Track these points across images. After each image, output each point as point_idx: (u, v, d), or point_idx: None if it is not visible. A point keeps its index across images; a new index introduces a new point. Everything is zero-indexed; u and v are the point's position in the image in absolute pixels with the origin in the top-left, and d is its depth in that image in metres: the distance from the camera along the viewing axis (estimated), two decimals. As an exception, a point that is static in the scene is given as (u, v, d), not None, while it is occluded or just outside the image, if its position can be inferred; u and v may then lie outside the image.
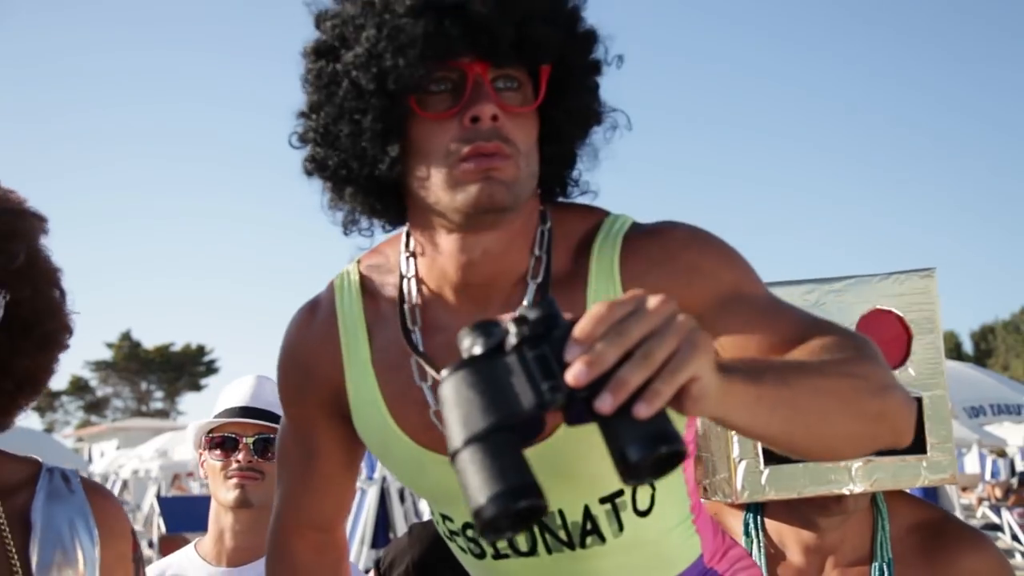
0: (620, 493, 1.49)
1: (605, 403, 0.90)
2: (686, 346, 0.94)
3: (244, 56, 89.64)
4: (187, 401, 65.41)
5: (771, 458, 2.00)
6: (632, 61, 1.52)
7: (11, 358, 1.56)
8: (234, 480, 2.62)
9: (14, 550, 1.54)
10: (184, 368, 64.21)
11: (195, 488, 19.67)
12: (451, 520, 1.60)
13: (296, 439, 1.69)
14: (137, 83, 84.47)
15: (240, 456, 2.63)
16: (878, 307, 2.09)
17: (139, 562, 1.71)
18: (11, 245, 1.53)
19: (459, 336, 0.98)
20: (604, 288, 1.45)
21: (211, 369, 65.08)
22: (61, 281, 1.66)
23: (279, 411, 2.74)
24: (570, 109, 1.43)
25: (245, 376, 2.84)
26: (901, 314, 2.09)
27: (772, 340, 1.37)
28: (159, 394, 65.06)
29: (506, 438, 0.92)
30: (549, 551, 1.52)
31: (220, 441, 2.67)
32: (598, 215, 1.54)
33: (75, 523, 1.61)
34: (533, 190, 1.43)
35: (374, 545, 9.74)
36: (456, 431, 0.93)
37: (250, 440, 2.64)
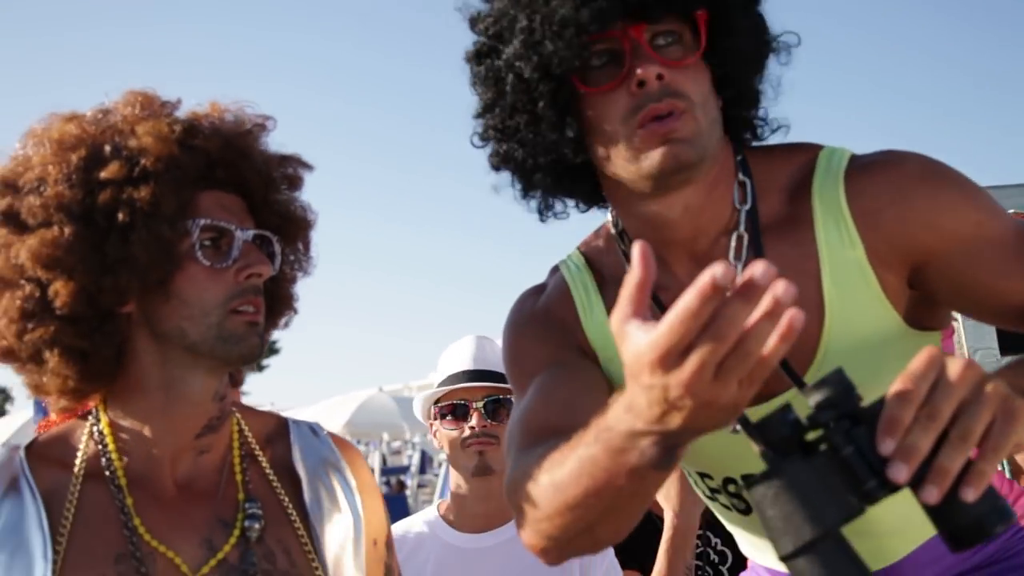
0: None
1: (931, 495, 0.91)
2: (1003, 417, 0.93)
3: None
4: None
5: None
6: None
7: (276, 287, 1.60)
8: (471, 449, 2.59)
9: (287, 499, 1.55)
10: None
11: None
12: (710, 478, 1.59)
13: (547, 374, 1.57)
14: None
15: (473, 422, 2.60)
16: None
17: (387, 516, 1.72)
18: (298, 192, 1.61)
19: (754, 428, 0.98)
20: (835, 230, 1.42)
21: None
22: None
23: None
24: (736, 48, 1.41)
25: (464, 338, 2.78)
26: None
27: None
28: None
29: (836, 542, 0.94)
30: None
31: (450, 409, 2.65)
32: (809, 152, 1.49)
33: (334, 474, 1.62)
34: (720, 138, 1.43)
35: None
36: (784, 540, 0.94)
37: (480, 404, 2.62)
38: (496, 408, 2.61)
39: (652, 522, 2.71)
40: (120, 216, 1.37)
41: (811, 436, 0.97)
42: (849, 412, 0.95)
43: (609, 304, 1.56)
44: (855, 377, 0.96)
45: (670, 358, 0.92)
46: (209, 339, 1.43)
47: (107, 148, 1.41)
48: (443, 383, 2.70)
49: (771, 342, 0.89)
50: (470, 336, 2.80)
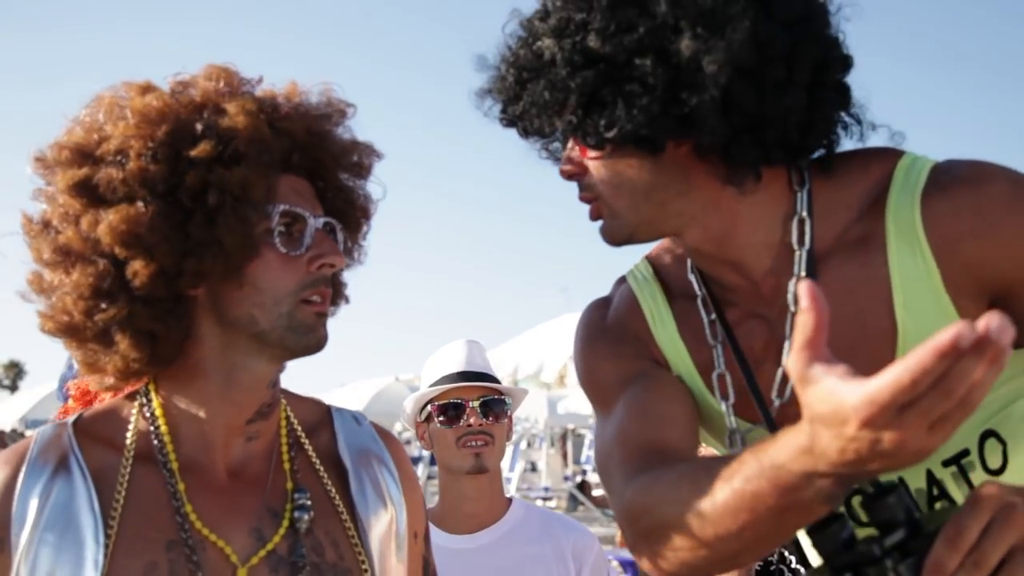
0: (966, 453, 1.46)
1: None
2: None
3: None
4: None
5: None
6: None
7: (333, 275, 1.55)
8: (467, 448, 2.68)
9: (333, 489, 1.55)
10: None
11: None
12: None
13: (634, 391, 1.60)
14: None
15: (470, 420, 2.70)
16: None
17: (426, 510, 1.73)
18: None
19: (811, 534, 1.10)
20: (909, 255, 1.38)
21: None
22: None
23: (494, 373, 2.81)
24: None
25: (453, 342, 2.88)
26: None
27: None
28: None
29: None
30: None
31: (446, 408, 2.75)
32: (886, 162, 1.45)
33: (379, 465, 1.62)
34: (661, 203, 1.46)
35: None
36: None
37: (476, 403, 2.72)
38: (490, 408, 2.73)
39: None
40: (209, 198, 1.34)
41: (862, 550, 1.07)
42: (903, 540, 1.06)
43: (678, 317, 1.60)
44: None
45: (888, 413, 0.93)
46: (278, 328, 1.41)
47: (198, 126, 1.38)
48: (437, 383, 2.80)
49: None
50: (460, 340, 2.91)
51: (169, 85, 1.45)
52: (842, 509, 1.10)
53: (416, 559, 1.64)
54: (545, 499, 19.48)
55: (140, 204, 1.34)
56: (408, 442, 22.52)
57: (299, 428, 1.60)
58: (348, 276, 1.62)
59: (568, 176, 1.50)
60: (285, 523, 1.48)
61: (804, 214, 1.45)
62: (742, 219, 1.47)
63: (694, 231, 1.48)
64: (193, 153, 1.36)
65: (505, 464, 19.49)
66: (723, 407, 1.55)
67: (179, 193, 1.36)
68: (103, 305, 1.37)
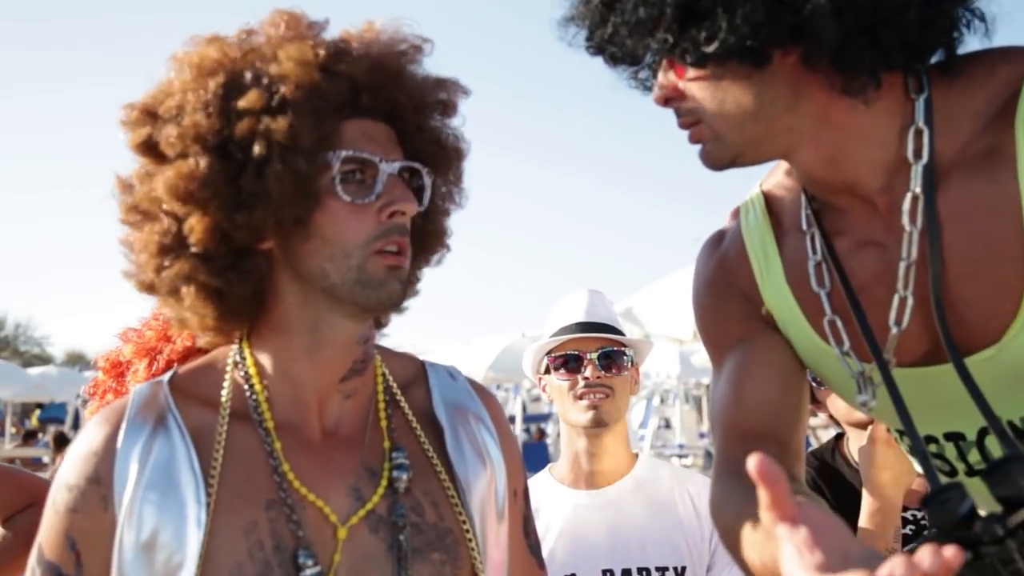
0: None
1: None
2: None
3: None
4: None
5: None
6: None
7: (427, 222, 1.55)
8: (585, 401, 2.63)
9: (430, 447, 1.54)
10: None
11: None
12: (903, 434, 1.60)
13: (736, 359, 1.65)
14: None
15: (587, 372, 2.65)
16: None
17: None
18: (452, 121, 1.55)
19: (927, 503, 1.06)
20: None
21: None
22: None
23: (618, 324, 2.75)
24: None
25: (576, 291, 2.83)
26: None
27: None
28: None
29: None
30: None
31: (564, 360, 2.70)
32: (1017, 63, 1.37)
33: (476, 422, 1.61)
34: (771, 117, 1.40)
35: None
36: None
37: (594, 355, 2.67)
38: (610, 360, 2.67)
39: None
40: (256, 149, 1.33)
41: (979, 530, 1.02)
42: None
43: (786, 258, 1.57)
44: None
45: None
46: (348, 282, 1.39)
47: (247, 75, 1.36)
48: (556, 334, 2.76)
49: None
50: (582, 289, 2.85)
51: (233, 34, 1.44)
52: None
53: (516, 518, 1.63)
54: (680, 456, 19.41)
55: (192, 160, 1.34)
56: (538, 398, 22.76)
57: (394, 385, 1.58)
58: (460, 223, 1.58)
59: (664, 102, 1.45)
60: (384, 482, 1.48)
61: (922, 124, 1.37)
62: (855, 134, 1.40)
63: (804, 150, 1.42)
64: (241, 104, 1.34)
65: (638, 420, 19.55)
66: (837, 352, 1.50)
67: (230, 146, 1.35)
68: (167, 262, 1.40)
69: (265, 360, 1.48)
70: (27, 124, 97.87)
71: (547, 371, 2.76)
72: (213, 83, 1.36)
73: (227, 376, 1.49)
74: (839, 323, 1.49)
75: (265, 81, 1.36)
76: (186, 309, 1.43)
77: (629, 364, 2.71)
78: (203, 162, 1.34)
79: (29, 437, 20.40)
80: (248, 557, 1.37)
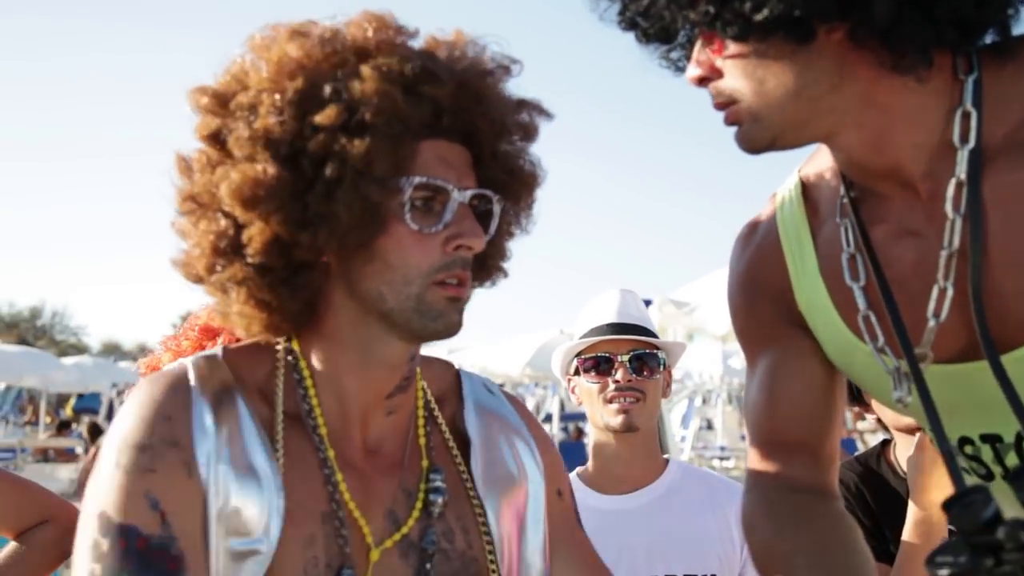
0: None
1: None
2: None
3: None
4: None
5: None
6: None
7: (490, 246, 1.48)
8: (615, 404, 2.57)
9: (463, 467, 1.51)
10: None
11: None
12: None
13: (767, 363, 1.64)
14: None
15: (618, 376, 2.59)
16: None
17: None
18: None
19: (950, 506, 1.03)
20: None
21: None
22: None
23: (650, 325, 2.69)
24: None
25: (608, 291, 2.78)
26: None
27: None
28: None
29: None
30: None
31: (594, 362, 2.64)
32: None
33: (515, 437, 1.58)
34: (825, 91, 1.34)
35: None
36: None
37: (625, 358, 2.61)
38: (641, 363, 2.60)
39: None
40: (328, 169, 1.28)
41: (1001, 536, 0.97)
42: None
43: (821, 249, 1.52)
44: None
45: None
46: (406, 310, 1.36)
47: (327, 87, 1.30)
48: (586, 335, 2.69)
49: None
50: (615, 289, 2.78)
51: (317, 29, 1.37)
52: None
53: (568, 515, 1.63)
54: (721, 458, 19.27)
55: (260, 166, 1.29)
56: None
57: (432, 400, 1.56)
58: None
59: (699, 81, 1.38)
60: (419, 504, 1.45)
61: (969, 106, 1.31)
62: (900, 115, 1.34)
63: (846, 132, 1.37)
64: (319, 119, 1.28)
65: (678, 421, 19.39)
66: (871, 348, 1.45)
67: (301, 159, 1.30)
68: (220, 265, 1.35)
69: (316, 365, 1.43)
70: (59, 93, 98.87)
71: (576, 373, 2.69)
72: (291, 87, 1.30)
73: (280, 373, 1.44)
74: (873, 318, 1.44)
75: (346, 97, 1.30)
76: (234, 310, 1.38)
77: (661, 367, 2.64)
78: (271, 170, 1.29)
79: (63, 427, 20.68)
80: (303, 573, 1.33)
